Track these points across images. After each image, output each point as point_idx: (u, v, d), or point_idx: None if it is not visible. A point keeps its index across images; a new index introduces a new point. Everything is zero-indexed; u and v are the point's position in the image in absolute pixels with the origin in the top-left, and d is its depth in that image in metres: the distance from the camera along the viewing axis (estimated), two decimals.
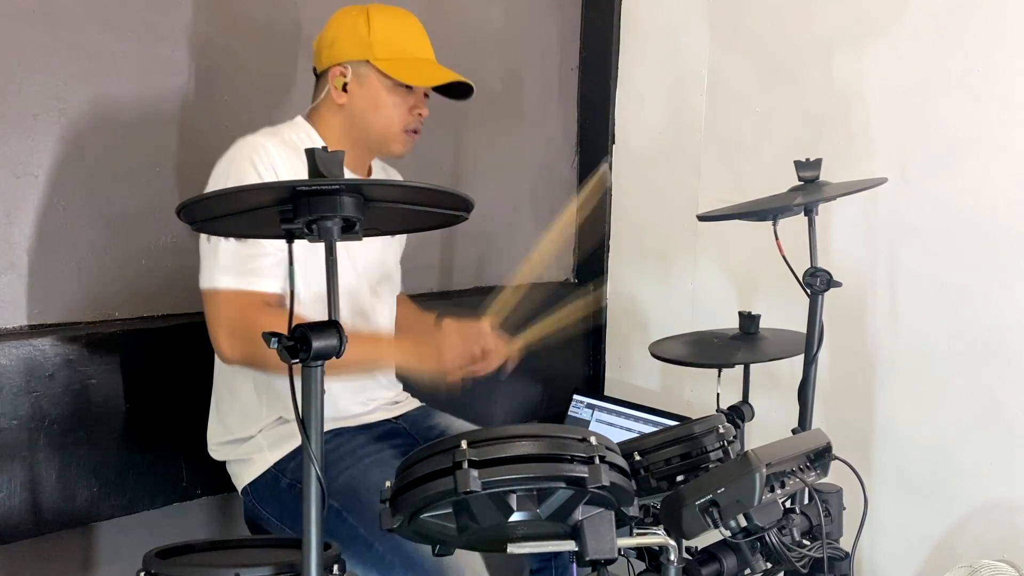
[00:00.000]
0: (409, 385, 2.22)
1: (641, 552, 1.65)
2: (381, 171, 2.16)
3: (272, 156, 1.86)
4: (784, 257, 1.95)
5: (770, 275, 2.09)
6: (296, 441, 1.94)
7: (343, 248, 1.75)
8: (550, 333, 2.08)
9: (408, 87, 1.96)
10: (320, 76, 2.01)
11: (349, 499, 1.85)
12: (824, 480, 1.69)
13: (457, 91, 2.01)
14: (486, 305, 2.04)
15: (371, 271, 2.08)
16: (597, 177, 2.23)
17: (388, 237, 2.14)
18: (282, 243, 1.78)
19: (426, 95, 2.02)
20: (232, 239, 1.79)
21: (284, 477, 1.95)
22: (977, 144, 2.37)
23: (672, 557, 1.47)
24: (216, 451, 2.06)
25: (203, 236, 1.85)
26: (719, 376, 2.12)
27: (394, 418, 2.12)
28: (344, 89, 1.95)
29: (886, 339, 2.54)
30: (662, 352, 2.17)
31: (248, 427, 1.99)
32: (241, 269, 1.81)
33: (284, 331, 1.76)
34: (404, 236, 2.25)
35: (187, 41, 2.18)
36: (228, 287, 1.81)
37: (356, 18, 1.96)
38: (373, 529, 1.79)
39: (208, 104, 2.23)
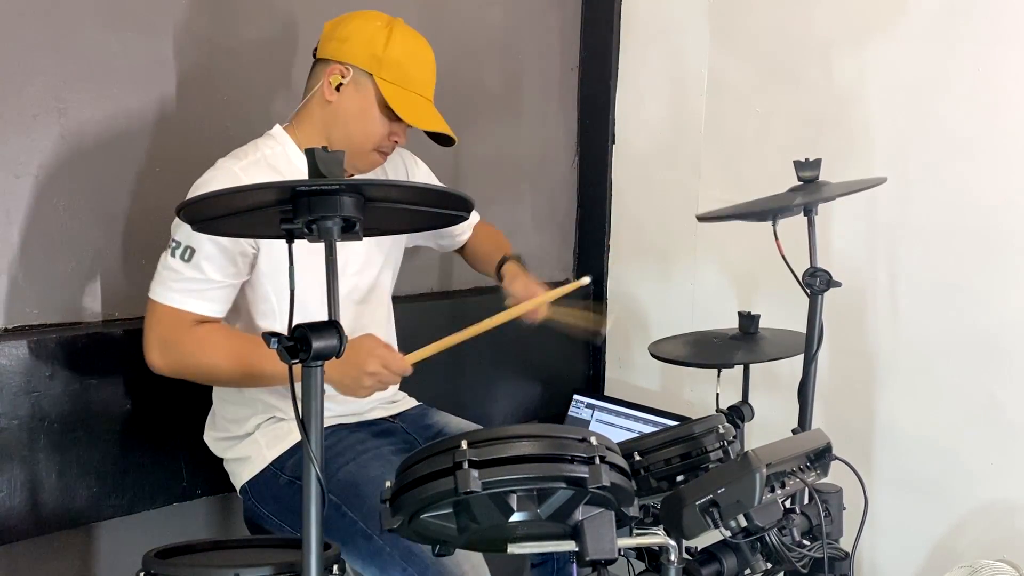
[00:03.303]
0: (405, 386, 2.21)
1: (641, 552, 1.65)
2: (398, 161, 2.14)
3: (243, 183, 1.81)
4: (784, 257, 1.95)
5: (770, 275, 2.09)
6: (293, 438, 1.94)
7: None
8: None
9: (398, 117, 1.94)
10: (318, 62, 1.97)
11: (348, 494, 1.86)
12: (824, 480, 1.69)
13: (440, 137, 2.00)
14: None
15: (358, 281, 2.07)
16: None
17: (378, 245, 2.12)
18: (228, 270, 1.83)
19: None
20: (180, 259, 1.81)
21: (283, 474, 1.95)
22: (977, 144, 2.37)
23: (672, 557, 1.47)
24: (214, 445, 2.06)
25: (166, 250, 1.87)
26: (719, 376, 2.12)
27: (391, 416, 2.12)
28: (337, 89, 1.93)
29: (886, 339, 2.54)
30: (662, 352, 2.18)
31: (244, 425, 1.99)
32: (179, 287, 1.83)
33: (216, 346, 1.83)
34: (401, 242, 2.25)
35: (186, 41, 2.18)
36: (164, 302, 1.84)
37: (378, 28, 1.92)
38: (372, 523, 1.79)
39: (208, 104, 2.23)
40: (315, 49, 2.00)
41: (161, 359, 1.85)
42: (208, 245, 1.81)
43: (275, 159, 1.92)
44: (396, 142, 1.99)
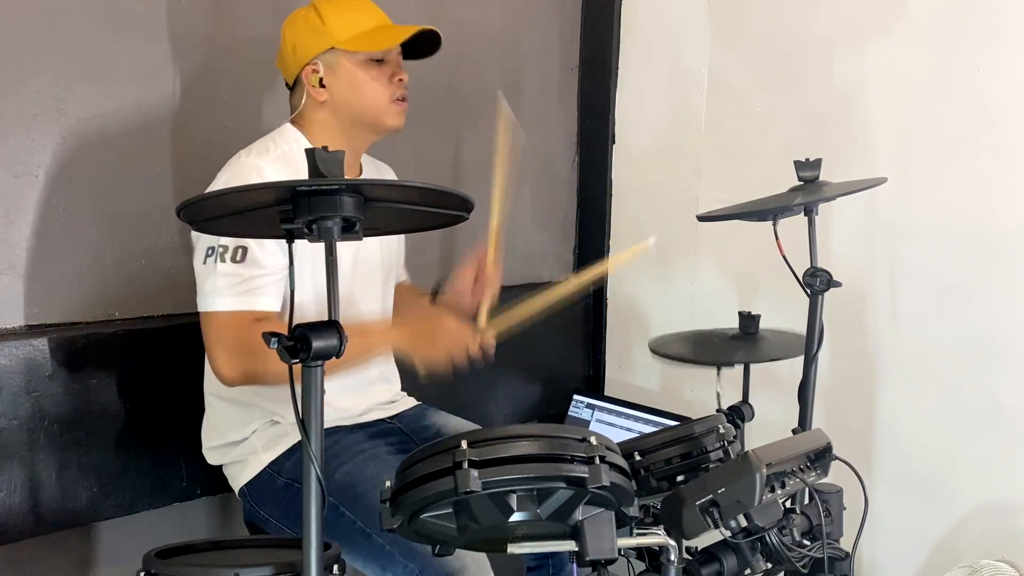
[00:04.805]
0: (407, 385, 2.22)
1: (641, 552, 1.64)
2: (372, 167, 2.15)
3: (269, 179, 1.84)
4: (784, 257, 1.95)
5: (770, 275, 2.09)
6: (290, 440, 1.94)
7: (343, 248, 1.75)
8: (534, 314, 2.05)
9: (380, 59, 1.96)
10: (295, 85, 2.00)
11: (346, 494, 1.85)
12: (824, 480, 1.69)
13: (427, 48, 2.01)
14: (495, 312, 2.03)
15: (369, 270, 2.07)
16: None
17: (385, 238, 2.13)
18: (280, 260, 1.82)
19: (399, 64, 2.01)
20: (232, 262, 1.80)
21: (280, 476, 1.95)
22: (977, 144, 2.37)
23: (672, 557, 1.48)
24: (211, 455, 2.05)
25: (198, 259, 1.86)
26: (719, 374, 2.12)
27: (389, 418, 2.12)
28: (321, 84, 1.95)
29: (886, 339, 2.54)
30: (662, 350, 2.18)
31: (241, 430, 1.99)
32: (238, 290, 1.81)
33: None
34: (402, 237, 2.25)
35: (187, 41, 2.18)
36: (225, 308, 1.82)
37: (305, 16, 1.96)
38: (371, 522, 1.79)
39: (208, 104, 2.23)
40: (286, 83, 2.03)
41: (234, 369, 1.82)
42: (254, 239, 1.80)
43: (293, 156, 1.93)
44: (401, 80, 1.99)
